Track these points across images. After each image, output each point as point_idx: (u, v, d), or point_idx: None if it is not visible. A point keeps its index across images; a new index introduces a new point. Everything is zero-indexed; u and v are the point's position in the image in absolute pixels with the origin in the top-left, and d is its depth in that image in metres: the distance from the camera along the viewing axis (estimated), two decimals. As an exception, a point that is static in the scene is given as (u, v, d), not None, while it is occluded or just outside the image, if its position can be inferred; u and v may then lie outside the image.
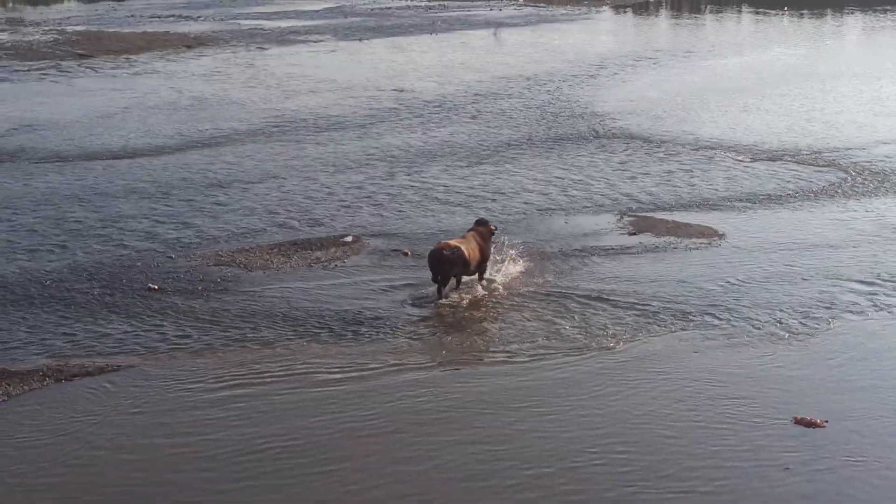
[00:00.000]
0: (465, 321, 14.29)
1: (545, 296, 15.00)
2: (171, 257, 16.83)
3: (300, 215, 19.31)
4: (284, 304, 14.79)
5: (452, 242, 15.31)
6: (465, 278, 15.59)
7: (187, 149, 24.84)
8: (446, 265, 14.96)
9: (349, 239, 17.79)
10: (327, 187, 21.33)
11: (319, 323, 14.05)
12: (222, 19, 51.55)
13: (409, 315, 14.41)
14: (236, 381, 12.24)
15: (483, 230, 15.90)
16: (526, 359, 12.88)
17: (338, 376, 12.33)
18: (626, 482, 10.05)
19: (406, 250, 17.19)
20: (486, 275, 15.82)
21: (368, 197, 20.58)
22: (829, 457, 10.53)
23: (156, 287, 15.36)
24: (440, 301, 15.02)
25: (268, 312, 14.45)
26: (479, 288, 15.52)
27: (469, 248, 15.31)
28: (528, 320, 14.11)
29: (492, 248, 15.99)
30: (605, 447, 10.69)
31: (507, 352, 13.13)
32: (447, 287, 15.27)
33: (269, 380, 12.28)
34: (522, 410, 11.50)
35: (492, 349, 13.30)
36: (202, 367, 12.69)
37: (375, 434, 10.99)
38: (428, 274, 15.11)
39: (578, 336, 13.52)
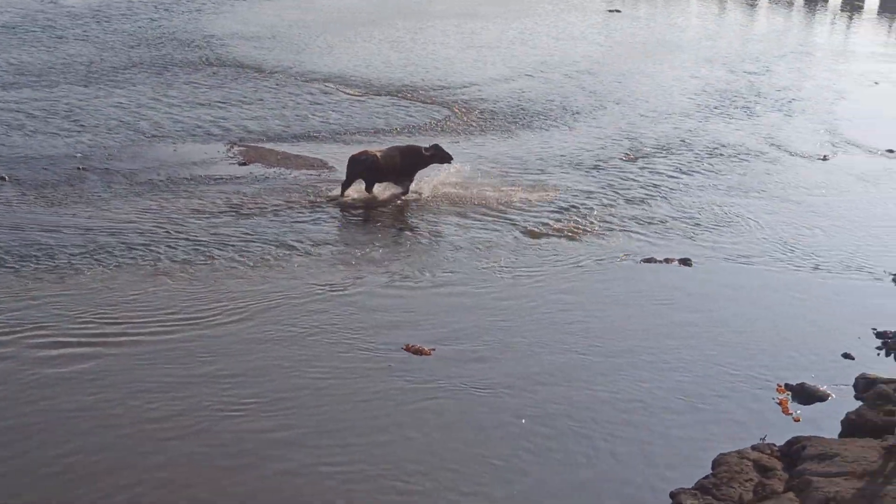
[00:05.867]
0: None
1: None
2: None
3: None
4: None
5: (372, 150, 16.97)
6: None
7: None
8: (355, 167, 16.61)
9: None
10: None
11: None
12: None
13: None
14: None
15: (420, 150, 17.15)
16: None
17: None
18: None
19: (4, 175, 16.26)
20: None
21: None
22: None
23: None
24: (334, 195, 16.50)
25: None
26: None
27: (386, 158, 16.79)
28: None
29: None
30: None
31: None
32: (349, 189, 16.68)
33: None
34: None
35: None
36: None
37: None
38: None
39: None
